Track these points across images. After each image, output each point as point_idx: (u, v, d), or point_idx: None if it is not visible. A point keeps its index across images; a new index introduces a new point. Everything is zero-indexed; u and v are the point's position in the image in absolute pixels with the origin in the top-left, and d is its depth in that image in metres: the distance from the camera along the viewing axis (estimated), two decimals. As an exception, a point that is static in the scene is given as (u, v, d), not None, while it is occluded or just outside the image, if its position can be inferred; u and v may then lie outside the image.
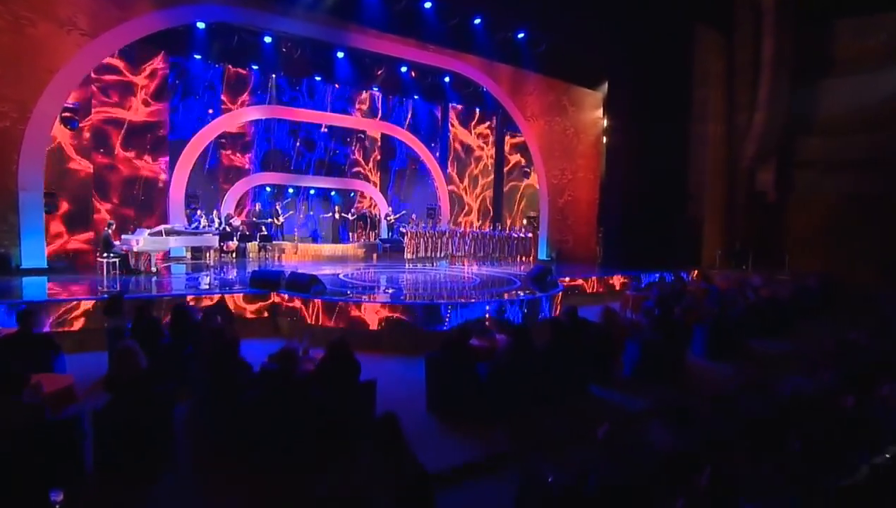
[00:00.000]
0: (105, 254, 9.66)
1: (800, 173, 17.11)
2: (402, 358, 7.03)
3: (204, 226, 14.35)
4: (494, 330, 5.82)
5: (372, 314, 7.67)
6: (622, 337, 6.45)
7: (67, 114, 10.47)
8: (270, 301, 8.32)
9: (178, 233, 11.06)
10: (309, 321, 7.92)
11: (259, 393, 3.49)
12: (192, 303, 6.54)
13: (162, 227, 10.51)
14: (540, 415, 4.93)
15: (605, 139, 18.61)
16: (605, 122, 18.45)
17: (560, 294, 9.65)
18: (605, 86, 18.05)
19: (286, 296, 8.22)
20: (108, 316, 6.19)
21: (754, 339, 8.37)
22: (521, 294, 9.51)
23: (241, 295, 8.25)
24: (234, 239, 14.62)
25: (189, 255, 13.74)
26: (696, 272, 16.27)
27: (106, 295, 7.38)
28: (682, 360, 6.59)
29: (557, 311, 9.51)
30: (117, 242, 10.44)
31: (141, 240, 10.07)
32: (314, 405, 3.51)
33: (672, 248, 17.15)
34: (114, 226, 10.04)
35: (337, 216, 18.09)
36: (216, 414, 3.59)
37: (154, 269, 10.17)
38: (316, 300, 7.92)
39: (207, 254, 12.37)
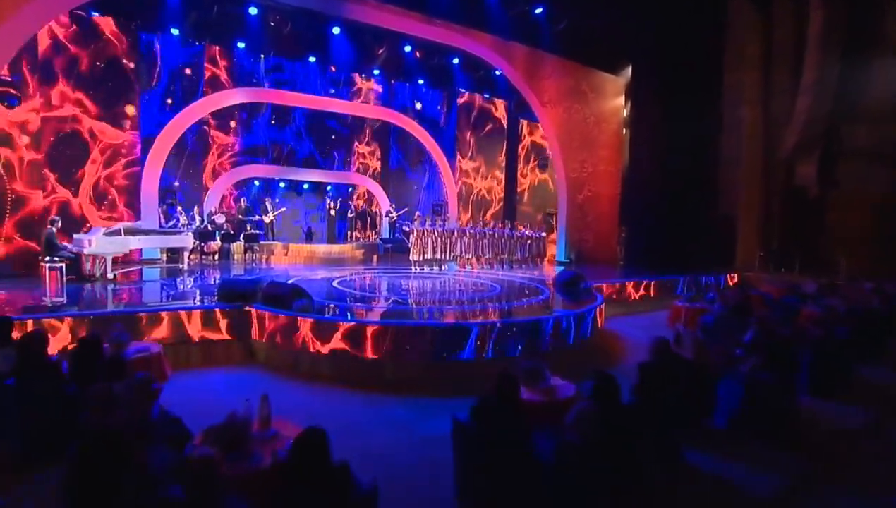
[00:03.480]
0: (48, 258, 7.92)
1: (845, 165, 15.38)
2: (417, 398, 5.31)
3: (183, 224, 12.67)
4: (546, 370, 4.09)
5: (372, 337, 5.93)
6: (714, 373, 4.74)
7: (4, 88, 8.72)
8: (243, 318, 6.58)
9: (141, 231, 9.31)
10: (290, 346, 6.20)
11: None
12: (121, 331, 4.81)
13: (121, 225, 8.77)
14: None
15: (626, 129, 16.94)
16: (628, 111, 16.77)
17: (602, 306, 7.91)
18: (628, 71, 16.46)
19: (262, 313, 6.48)
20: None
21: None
22: (557, 307, 7.82)
23: (206, 310, 6.50)
24: (216, 238, 12.90)
25: (164, 258, 12.03)
26: (734, 276, 14.60)
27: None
28: (794, 402, 4.87)
29: (600, 327, 7.81)
30: (69, 243, 8.73)
31: (94, 241, 8.34)
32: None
33: (702, 249, 15.65)
34: (59, 224, 8.30)
35: (333, 213, 16.39)
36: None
37: (111, 275, 8.44)
38: (298, 318, 6.19)
39: (183, 257, 10.60)
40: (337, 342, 5.99)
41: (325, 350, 6.03)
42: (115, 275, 8.52)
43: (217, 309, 6.49)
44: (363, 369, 5.92)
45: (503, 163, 18.55)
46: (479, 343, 6.04)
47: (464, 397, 5.50)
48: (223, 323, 6.48)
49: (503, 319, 6.76)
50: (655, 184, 15.69)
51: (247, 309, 6.60)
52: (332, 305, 7.44)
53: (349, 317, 6.72)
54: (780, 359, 4.74)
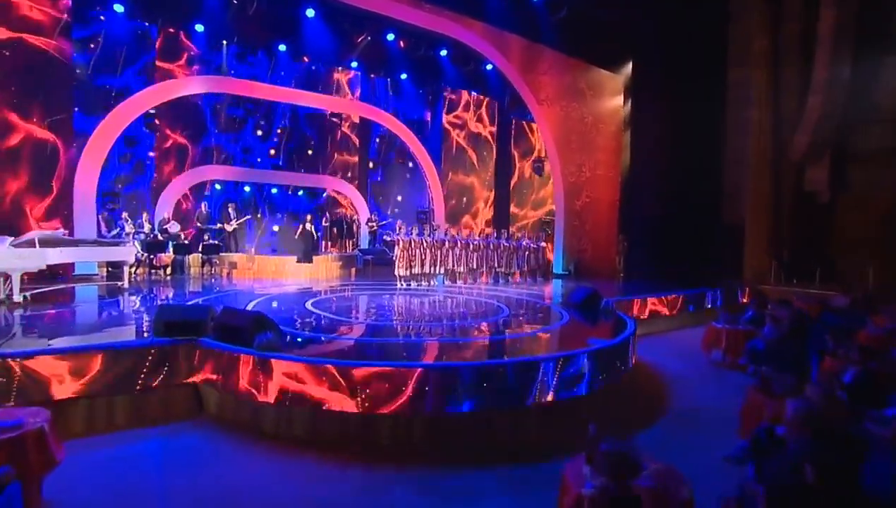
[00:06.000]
0: (-70, 277, 6.08)
1: (858, 169, 14.49)
2: (430, 473, 3.71)
3: (129, 233, 10.80)
4: (639, 453, 2.55)
5: (362, 382, 4.31)
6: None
7: None
8: (187, 358, 4.88)
9: (65, 242, 7.46)
10: (250, 396, 4.53)
11: None
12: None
13: (34, 234, 6.92)
14: None
15: (626, 130, 15.80)
16: (628, 111, 15.63)
17: (634, 335, 6.43)
18: (628, 69, 15.40)
19: (213, 351, 4.79)
20: None
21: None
22: (588, 335, 6.33)
23: (137, 348, 4.77)
24: (169, 249, 11.07)
25: (104, 273, 10.16)
26: (747, 289, 13.46)
27: None
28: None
29: (632, 361, 6.34)
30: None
31: (-4, 255, 6.50)
32: None
33: (707, 259, 14.54)
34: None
35: (308, 225, 14.39)
36: None
37: (18, 298, 6.60)
38: (261, 358, 4.54)
39: (124, 272, 8.76)
40: (314, 390, 4.36)
41: (297, 401, 4.39)
42: (25, 298, 6.68)
43: (152, 346, 4.76)
44: (350, 428, 4.31)
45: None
46: (495, 387, 4.49)
47: (492, 467, 3.97)
48: (160, 366, 4.74)
49: (540, 355, 5.23)
50: (656, 190, 14.59)
51: (193, 345, 4.90)
52: (306, 337, 5.79)
53: (326, 350, 5.10)
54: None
